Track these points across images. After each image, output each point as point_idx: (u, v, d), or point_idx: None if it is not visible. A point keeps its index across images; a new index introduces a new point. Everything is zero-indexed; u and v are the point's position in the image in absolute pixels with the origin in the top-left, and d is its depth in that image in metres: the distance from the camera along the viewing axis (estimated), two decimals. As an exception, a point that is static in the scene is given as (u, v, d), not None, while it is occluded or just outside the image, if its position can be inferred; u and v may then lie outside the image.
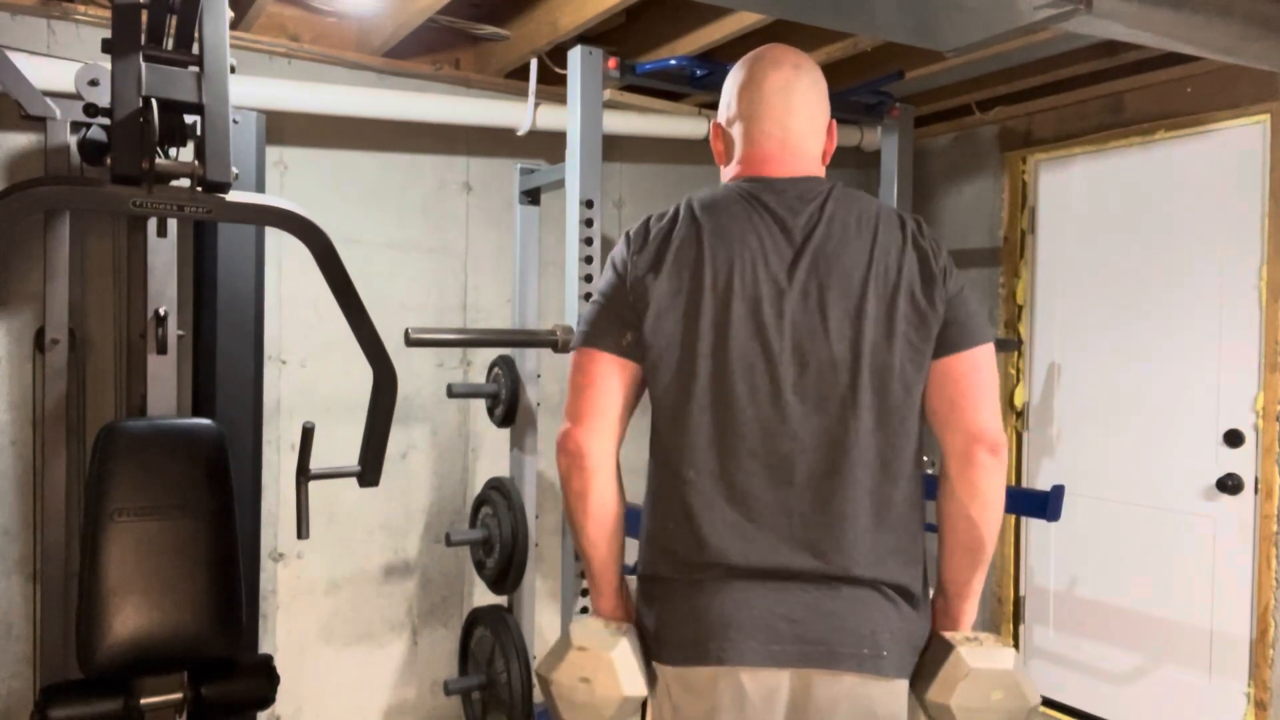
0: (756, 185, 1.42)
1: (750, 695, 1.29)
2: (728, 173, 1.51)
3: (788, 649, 1.29)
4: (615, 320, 1.38)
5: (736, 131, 1.47)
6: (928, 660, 1.37)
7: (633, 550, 1.46)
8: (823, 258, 1.34)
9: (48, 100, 2.33)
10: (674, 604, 1.35)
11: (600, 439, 1.36)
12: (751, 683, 1.29)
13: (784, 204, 1.38)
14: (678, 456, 1.36)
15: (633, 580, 1.49)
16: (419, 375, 3.20)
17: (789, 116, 1.43)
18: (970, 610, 1.43)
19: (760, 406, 1.32)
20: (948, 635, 1.38)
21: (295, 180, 2.96)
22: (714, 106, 1.55)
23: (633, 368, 1.38)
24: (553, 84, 3.01)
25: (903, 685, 1.33)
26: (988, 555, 1.38)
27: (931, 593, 1.46)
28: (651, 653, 1.37)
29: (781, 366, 1.32)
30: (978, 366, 1.37)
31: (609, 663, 1.33)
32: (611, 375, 1.37)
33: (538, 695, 2.92)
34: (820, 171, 1.48)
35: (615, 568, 1.44)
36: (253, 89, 2.64)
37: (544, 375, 3.13)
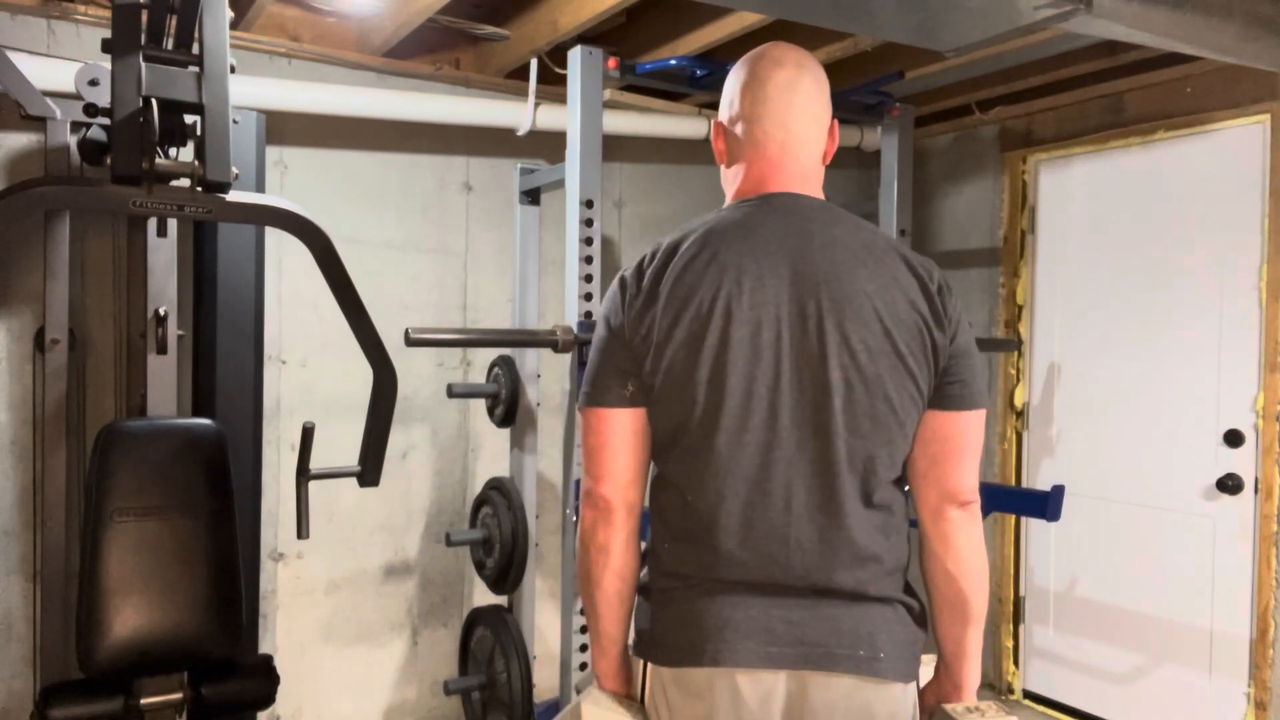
0: (755, 206, 1.40)
1: (746, 697, 1.28)
2: (728, 175, 1.49)
3: (785, 650, 1.28)
4: (615, 372, 1.38)
5: (739, 131, 1.45)
6: None
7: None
8: (823, 282, 1.31)
9: (48, 100, 2.33)
10: (672, 608, 1.35)
11: (624, 493, 1.37)
12: (748, 684, 1.28)
13: (784, 225, 1.36)
14: (676, 481, 1.36)
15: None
16: (419, 375, 3.20)
17: (791, 117, 1.41)
18: (971, 673, 1.42)
19: (757, 432, 1.31)
20: (948, 707, 1.37)
21: (295, 180, 2.96)
22: (714, 106, 1.53)
23: (641, 415, 1.38)
24: (553, 84, 3.01)
25: (900, 689, 1.32)
26: (975, 613, 1.38)
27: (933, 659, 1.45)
28: (649, 655, 1.37)
29: (779, 392, 1.30)
30: (967, 429, 1.36)
31: None
32: (622, 430, 1.37)
33: (538, 695, 2.92)
34: (821, 174, 1.46)
35: (624, 628, 1.43)
36: (253, 89, 2.64)
37: (544, 375, 3.13)
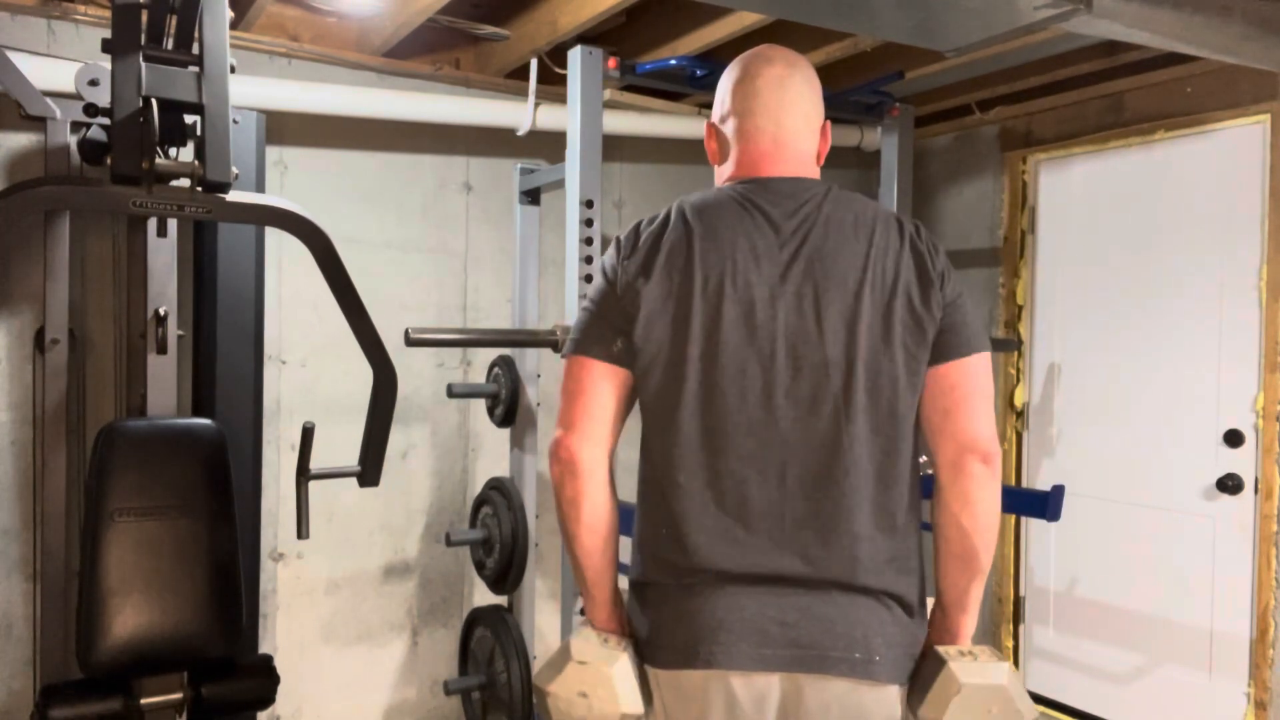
0: (749, 186, 1.40)
1: (740, 700, 1.28)
2: (722, 172, 1.49)
3: (779, 652, 1.28)
4: (606, 327, 1.38)
5: (730, 129, 1.45)
6: (921, 676, 1.36)
7: (625, 549, 1.45)
8: (818, 260, 1.32)
9: (48, 100, 2.33)
10: (666, 608, 1.35)
11: (593, 446, 1.36)
12: (742, 687, 1.28)
13: (777, 205, 1.37)
14: (668, 461, 1.35)
15: (624, 580, 1.48)
16: (419, 375, 3.20)
17: (782, 113, 1.42)
18: (968, 624, 1.41)
19: (751, 410, 1.30)
20: (941, 650, 1.36)
21: (295, 180, 2.96)
22: (712, 106, 1.55)
23: (624, 374, 1.37)
24: (553, 84, 3.01)
25: (895, 691, 1.32)
26: (983, 566, 1.37)
27: (931, 603, 1.44)
28: (644, 656, 1.37)
29: (774, 370, 1.30)
30: (973, 375, 1.35)
31: (608, 678, 1.33)
32: (603, 382, 1.37)
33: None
34: (815, 172, 1.46)
35: (609, 576, 1.43)
36: (253, 89, 2.64)
37: (544, 375, 3.13)
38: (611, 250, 1.42)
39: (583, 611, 1.47)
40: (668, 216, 1.40)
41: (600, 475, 1.37)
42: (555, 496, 1.40)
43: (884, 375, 1.31)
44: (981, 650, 1.36)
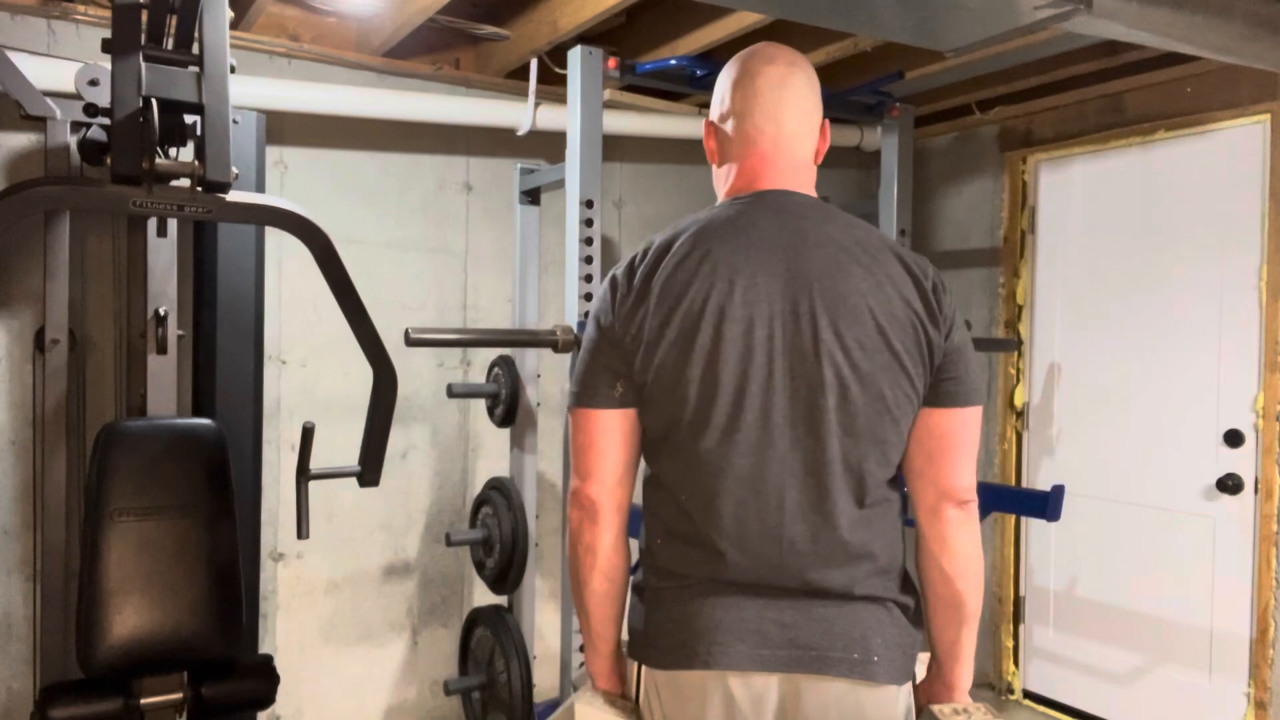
0: (748, 202, 1.39)
1: (739, 701, 1.28)
2: (720, 175, 1.48)
3: (777, 653, 1.28)
4: (605, 372, 1.37)
5: (729, 128, 1.44)
6: None
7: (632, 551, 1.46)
8: (817, 280, 1.30)
9: (48, 100, 2.33)
10: (665, 609, 1.35)
11: (611, 493, 1.37)
12: (740, 688, 1.28)
13: (777, 223, 1.35)
14: (669, 481, 1.36)
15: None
16: (419, 375, 3.20)
17: (782, 112, 1.41)
18: (963, 673, 1.41)
19: (749, 431, 1.30)
20: (935, 709, 1.37)
21: (295, 180, 2.96)
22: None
23: (631, 415, 1.37)
24: (553, 84, 3.01)
25: (894, 691, 1.31)
26: (970, 613, 1.37)
27: (926, 658, 1.45)
28: (641, 657, 1.37)
29: (772, 390, 1.29)
30: (964, 426, 1.35)
31: None
32: (611, 430, 1.37)
33: (538, 695, 2.92)
34: (813, 172, 1.45)
35: (615, 628, 1.43)
36: (253, 89, 2.64)
37: (544, 375, 3.13)
38: (605, 292, 1.40)
39: (583, 666, 1.47)
40: (665, 245, 1.38)
41: (619, 524, 1.38)
42: (570, 543, 1.41)
43: (880, 401, 1.30)
44: (976, 709, 1.36)
